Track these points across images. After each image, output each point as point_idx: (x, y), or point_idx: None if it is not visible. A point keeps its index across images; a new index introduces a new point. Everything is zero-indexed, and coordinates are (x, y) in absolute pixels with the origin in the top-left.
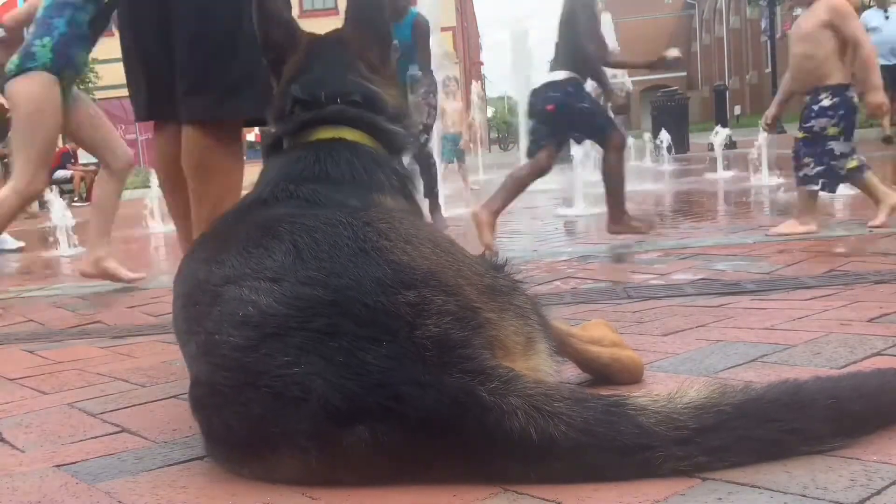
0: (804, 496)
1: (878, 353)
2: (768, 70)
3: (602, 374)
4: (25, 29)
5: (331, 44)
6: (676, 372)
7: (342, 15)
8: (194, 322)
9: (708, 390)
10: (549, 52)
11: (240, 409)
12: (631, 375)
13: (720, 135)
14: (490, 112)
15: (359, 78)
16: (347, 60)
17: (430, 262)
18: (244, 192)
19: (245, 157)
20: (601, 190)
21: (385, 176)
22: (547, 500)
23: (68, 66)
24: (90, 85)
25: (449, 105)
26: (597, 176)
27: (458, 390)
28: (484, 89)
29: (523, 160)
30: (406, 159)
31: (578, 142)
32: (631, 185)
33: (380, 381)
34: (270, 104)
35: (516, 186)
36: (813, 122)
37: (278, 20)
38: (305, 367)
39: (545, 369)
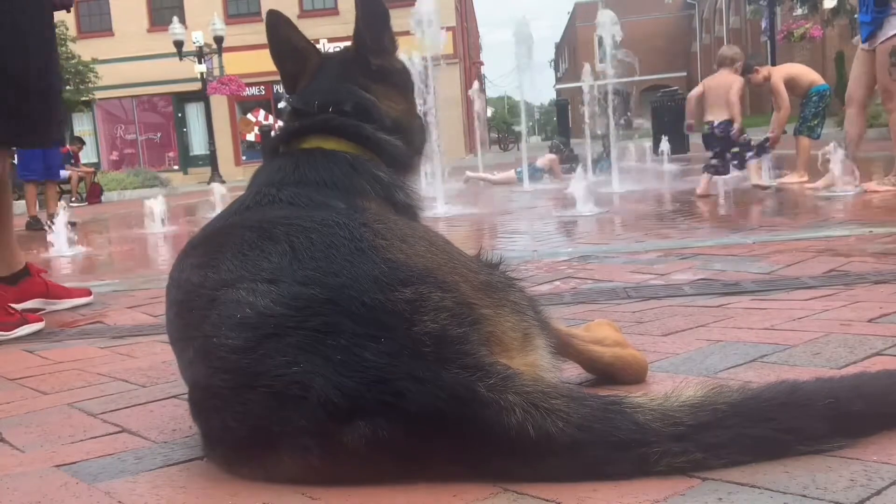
0: (804, 496)
1: (878, 353)
2: None
3: (605, 373)
4: None
5: (338, 58)
6: (676, 372)
7: (342, 16)
8: (192, 328)
9: (704, 389)
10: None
11: (240, 410)
12: (635, 374)
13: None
14: (490, 112)
15: (355, 88)
16: (349, 72)
17: (425, 259)
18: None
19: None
20: (600, 190)
21: (367, 182)
22: (547, 500)
23: None
24: (90, 85)
25: None
26: (597, 176)
27: (456, 385)
28: (484, 89)
29: (524, 160)
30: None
31: None
32: (632, 186)
33: (379, 378)
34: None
35: None
36: None
37: (288, 45)
38: (304, 365)
39: (543, 365)
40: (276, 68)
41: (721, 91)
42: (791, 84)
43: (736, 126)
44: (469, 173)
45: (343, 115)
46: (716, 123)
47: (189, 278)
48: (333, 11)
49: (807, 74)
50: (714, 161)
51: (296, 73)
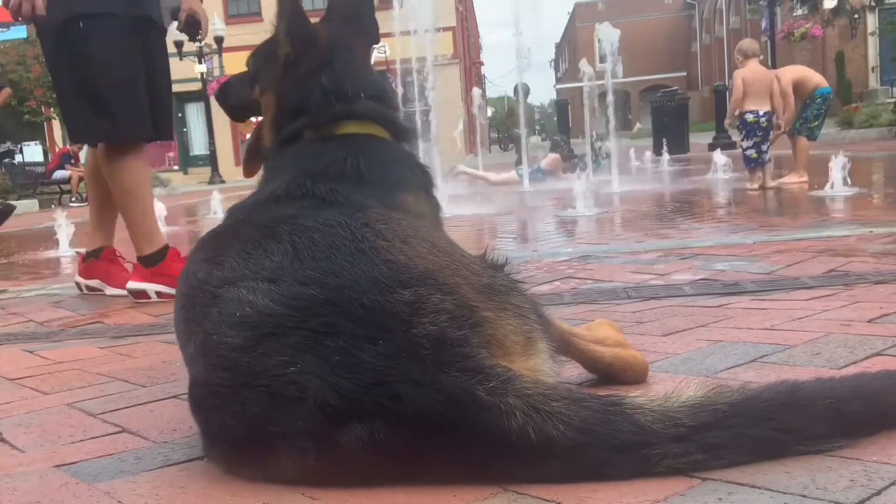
0: (804, 496)
1: (878, 354)
2: None
3: (606, 373)
4: None
5: (346, 47)
6: (676, 372)
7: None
8: (194, 323)
9: (705, 390)
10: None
11: (237, 409)
12: (635, 375)
13: (720, 160)
14: (490, 112)
15: (371, 75)
16: (364, 61)
17: (426, 261)
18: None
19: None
20: (600, 190)
21: (411, 172)
22: (547, 501)
23: None
24: None
25: None
26: (597, 176)
27: (455, 389)
28: (484, 90)
29: (524, 160)
30: None
31: None
32: (633, 185)
33: (377, 380)
34: (289, 95)
35: None
36: None
37: (303, 22)
38: (302, 366)
39: (545, 369)
40: (289, 46)
41: (762, 85)
42: (798, 86)
43: (781, 119)
44: (462, 167)
45: (377, 102)
46: (761, 113)
47: (195, 273)
48: None
49: (812, 77)
50: (750, 151)
51: (301, 55)
